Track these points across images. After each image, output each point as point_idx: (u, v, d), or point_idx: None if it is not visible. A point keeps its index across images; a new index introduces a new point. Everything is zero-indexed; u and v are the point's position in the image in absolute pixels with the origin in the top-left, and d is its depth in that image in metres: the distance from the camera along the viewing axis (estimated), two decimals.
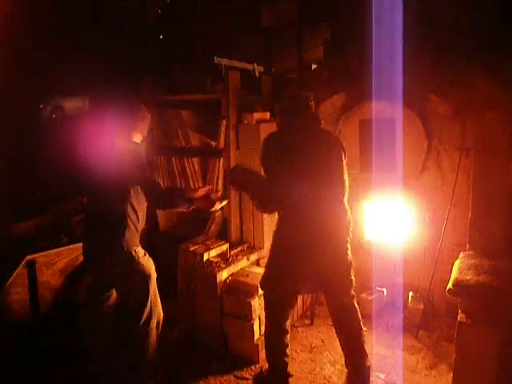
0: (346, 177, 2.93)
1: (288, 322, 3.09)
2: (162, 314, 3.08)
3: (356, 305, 3.08)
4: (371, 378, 3.21)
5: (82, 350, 3.03)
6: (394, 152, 3.90)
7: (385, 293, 4.16)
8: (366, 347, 3.09)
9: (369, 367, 3.06)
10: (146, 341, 2.93)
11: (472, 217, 3.14)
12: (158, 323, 3.01)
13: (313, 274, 2.98)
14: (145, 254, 2.95)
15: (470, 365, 2.66)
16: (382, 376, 3.27)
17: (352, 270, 3.02)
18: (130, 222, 2.85)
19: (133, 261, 2.85)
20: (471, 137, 3.43)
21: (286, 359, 3.07)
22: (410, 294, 4.03)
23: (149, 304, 2.92)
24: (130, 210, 2.84)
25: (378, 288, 4.17)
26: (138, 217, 2.90)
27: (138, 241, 2.94)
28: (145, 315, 2.91)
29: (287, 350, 3.09)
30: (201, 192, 3.08)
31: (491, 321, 2.63)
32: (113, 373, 2.98)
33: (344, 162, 2.94)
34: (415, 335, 3.75)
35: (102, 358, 2.99)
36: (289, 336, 3.12)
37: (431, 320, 3.89)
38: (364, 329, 3.70)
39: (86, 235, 3.04)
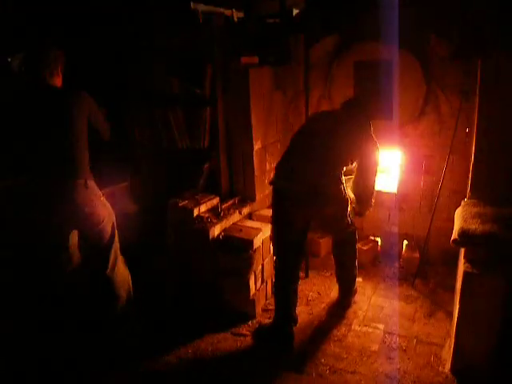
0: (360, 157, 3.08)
1: (298, 269, 3.17)
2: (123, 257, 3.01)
3: (355, 235, 3.42)
4: (369, 329, 3.23)
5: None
6: (390, 97, 3.70)
7: (379, 242, 4.09)
8: (356, 272, 3.50)
9: (355, 290, 3.56)
10: (115, 287, 2.89)
11: (475, 163, 3.02)
12: (125, 266, 3.00)
13: (313, 220, 3.21)
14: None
15: (475, 315, 2.61)
16: (381, 326, 3.23)
17: (349, 204, 3.18)
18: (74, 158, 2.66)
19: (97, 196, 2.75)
20: (473, 79, 3.25)
21: (293, 308, 3.14)
22: (405, 242, 3.98)
23: (114, 246, 2.87)
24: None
25: (372, 237, 4.10)
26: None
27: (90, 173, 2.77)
28: (111, 261, 2.85)
29: (296, 297, 3.15)
30: None
31: (497, 270, 2.56)
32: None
33: (366, 150, 3.08)
34: (411, 284, 3.72)
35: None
36: (298, 284, 3.18)
37: (427, 268, 3.86)
38: (359, 279, 3.70)
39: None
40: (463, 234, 2.63)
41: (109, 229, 2.85)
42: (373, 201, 3.29)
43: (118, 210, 3.07)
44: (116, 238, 2.92)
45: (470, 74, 3.33)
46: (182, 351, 3.03)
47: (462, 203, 3.06)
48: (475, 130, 3.00)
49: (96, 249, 2.85)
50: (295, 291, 3.13)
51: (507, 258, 2.59)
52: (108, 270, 2.86)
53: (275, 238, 3.16)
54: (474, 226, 2.66)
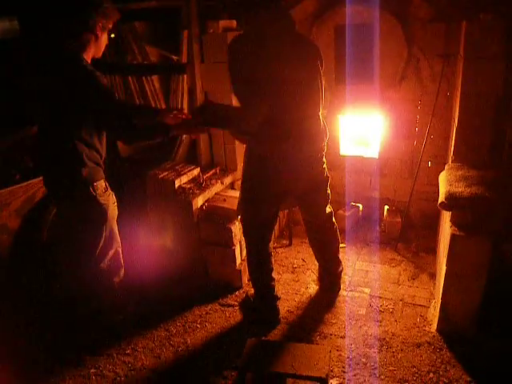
0: (322, 89, 2.65)
1: (271, 244, 2.99)
2: (120, 248, 2.87)
3: (334, 220, 3.11)
4: (356, 294, 3.26)
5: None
6: (371, 61, 3.64)
7: (360, 208, 4.11)
8: (339, 256, 3.25)
9: (340, 271, 3.26)
10: (101, 282, 2.78)
11: (458, 127, 3.02)
12: (117, 261, 2.87)
13: (290, 190, 2.83)
14: (106, 189, 2.62)
15: (462, 276, 2.65)
16: (367, 291, 3.27)
17: (328, 186, 2.95)
18: (86, 159, 2.48)
19: (90, 198, 2.55)
20: (455, 43, 3.22)
21: (272, 283, 2.98)
22: (386, 207, 4.00)
23: (101, 245, 2.70)
24: (82, 146, 2.46)
25: (353, 203, 4.11)
26: (96, 150, 2.55)
27: (100, 174, 2.60)
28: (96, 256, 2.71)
29: (273, 274, 3.00)
30: (178, 115, 2.74)
31: (483, 232, 2.60)
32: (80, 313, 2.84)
33: (321, 72, 2.64)
34: (394, 248, 3.77)
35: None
36: (272, 259, 3.02)
37: (408, 232, 3.91)
38: (342, 245, 3.71)
39: (40, 169, 2.69)
40: (450, 197, 2.64)
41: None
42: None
43: None
44: None
45: (452, 37, 3.31)
46: (171, 324, 3.00)
47: (446, 167, 3.07)
48: (459, 94, 2.99)
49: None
50: (270, 268, 2.97)
51: (493, 220, 2.64)
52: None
53: (248, 210, 2.87)
54: (460, 189, 2.67)
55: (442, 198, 2.70)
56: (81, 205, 2.57)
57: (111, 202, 2.67)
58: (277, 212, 2.95)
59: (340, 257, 3.28)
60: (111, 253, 2.77)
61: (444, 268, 2.74)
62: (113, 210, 2.69)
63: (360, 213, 4.10)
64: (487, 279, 2.68)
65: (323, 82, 2.67)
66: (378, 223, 4.04)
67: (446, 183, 2.81)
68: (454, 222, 2.71)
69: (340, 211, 4.02)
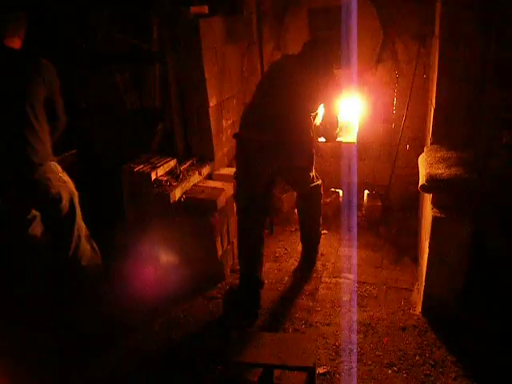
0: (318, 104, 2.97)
1: (263, 232, 3.02)
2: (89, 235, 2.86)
3: (320, 190, 3.31)
4: (340, 280, 3.25)
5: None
6: (347, 44, 3.59)
7: (341, 194, 4.08)
8: (321, 229, 3.47)
9: (317, 247, 3.49)
10: (80, 269, 2.75)
11: (436, 108, 3.00)
12: (91, 245, 2.85)
13: (281, 172, 3.03)
14: (63, 171, 2.64)
15: (444, 258, 2.65)
16: (351, 276, 3.26)
17: (313, 165, 3.15)
18: (34, 140, 2.44)
19: (54, 176, 2.53)
20: (430, 23, 3.19)
21: (260, 271, 2.98)
22: (366, 192, 3.99)
23: (76, 226, 2.69)
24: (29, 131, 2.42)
25: (333, 189, 4.08)
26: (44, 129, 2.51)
27: (51, 154, 2.58)
28: (74, 241, 2.69)
29: (262, 259, 3.02)
30: None
31: (465, 213, 2.59)
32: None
33: (326, 95, 2.95)
34: (376, 232, 3.76)
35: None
36: (264, 245, 3.04)
37: (389, 215, 3.91)
38: (324, 231, 3.69)
39: None
40: (431, 178, 2.62)
41: (68, 207, 2.66)
42: (338, 131, 3.26)
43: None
44: (78, 217, 2.73)
45: (426, 17, 3.28)
46: (154, 321, 2.92)
47: (425, 149, 3.05)
48: (436, 75, 2.96)
49: (57, 230, 2.69)
50: (261, 253, 2.99)
51: (474, 201, 2.64)
52: (71, 252, 2.70)
53: (239, 194, 3.00)
54: (440, 170, 2.66)
55: (422, 180, 2.68)
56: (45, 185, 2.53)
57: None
58: (270, 190, 3.04)
59: (322, 245, 3.43)
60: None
61: (427, 250, 2.74)
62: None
63: (340, 198, 4.08)
64: (470, 260, 2.69)
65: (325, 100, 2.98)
66: (359, 208, 4.03)
67: (425, 165, 2.79)
68: (435, 203, 2.70)
69: None
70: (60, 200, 2.57)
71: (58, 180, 2.56)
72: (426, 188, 2.65)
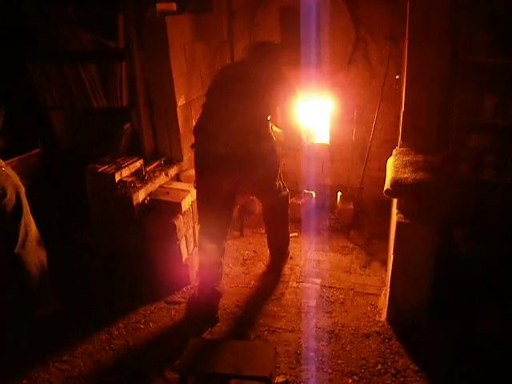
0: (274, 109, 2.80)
1: (225, 241, 2.91)
2: (38, 232, 2.79)
3: (287, 200, 3.23)
4: (306, 284, 3.18)
5: None
6: (319, 44, 3.53)
7: (313, 195, 4.02)
8: (289, 237, 3.42)
9: (287, 253, 3.43)
10: (25, 266, 2.69)
11: (405, 111, 2.94)
12: (38, 241, 2.77)
13: (242, 185, 2.84)
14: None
15: (409, 264, 2.60)
16: (318, 281, 3.20)
17: (279, 174, 3.06)
18: None
19: None
20: (401, 24, 3.13)
21: (218, 281, 2.89)
22: (339, 194, 3.93)
23: (23, 221, 2.63)
24: None
25: (306, 191, 4.02)
26: None
27: None
28: (20, 237, 2.63)
29: (221, 270, 2.91)
30: None
31: (429, 219, 2.54)
32: None
33: (283, 101, 2.79)
34: (347, 236, 3.71)
35: None
36: (224, 254, 2.95)
37: (360, 219, 3.86)
38: (295, 234, 3.64)
39: None
40: (395, 183, 2.57)
41: (12, 202, 2.57)
42: (303, 137, 3.05)
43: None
44: (25, 212, 2.64)
45: (398, 18, 3.22)
46: (113, 326, 2.85)
47: (394, 152, 2.99)
48: (405, 76, 2.91)
49: (2, 225, 2.57)
50: (220, 264, 2.89)
51: (439, 206, 2.58)
52: (16, 249, 2.63)
53: (199, 206, 2.88)
54: (406, 174, 2.60)
55: (387, 184, 2.63)
56: None
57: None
58: (232, 202, 2.88)
59: (292, 247, 3.40)
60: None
61: (392, 256, 2.69)
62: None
63: (313, 200, 4.01)
64: (438, 266, 2.64)
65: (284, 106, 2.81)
66: (331, 210, 3.97)
67: (392, 169, 2.74)
68: (400, 209, 2.65)
69: (293, 199, 3.91)
70: (4, 194, 2.50)
71: (0, 174, 2.48)
72: (391, 193, 2.59)
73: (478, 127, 2.94)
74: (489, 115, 2.86)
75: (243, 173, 2.71)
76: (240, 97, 2.67)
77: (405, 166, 2.71)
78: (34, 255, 2.73)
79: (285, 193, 3.17)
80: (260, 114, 2.73)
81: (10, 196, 2.53)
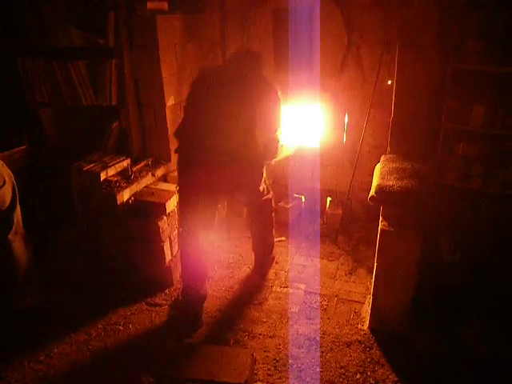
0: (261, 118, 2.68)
1: (210, 241, 2.90)
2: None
3: (271, 203, 3.21)
4: (290, 290, 3.15)
5: None
6: (311, 48, 3.50)
7: (303, 200, 3.99)
8: (274, 241, 3.41)
9: (273, 258, 3.41)
10: (15, 252, 2.73)
11: (394, 118, 2.91)
12: (23, 236, 2.79)
13: (226, 191, 2.86)
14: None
15: (392, 272, 2.57)
16: (303, 286, 3.17)
17: (264, 174, 2.97)
18: None
19: None
20: (394, 30, 3.11)
21: (202, 284, 2.85)
22: (329, 199, 3.90)
23: (18, 209, 2.70)
24: None
25: (295, 195, 3.99)
26: None
27: None
28: (14, 224, 2.69)
29: (206, 272, 2.88)
30: None
31: (413, 227, 2.51)
32: None
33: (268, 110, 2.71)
34: (334, 241, 3.67)
35: None
36: (209, 256, 2.97)
37: (349, 224, 3.83)
38: (282, 238, 3.60)
39: None
40: (380, 190, 2.55)
41: (10, 191, 2.62)
42: (279, 150, 2.88)
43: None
44: (17, 203, 2.68)
45: (391, 23, 3.20)
46: (92, 327, 2.81)
47: (382, 158, 2.97)
48: (395, 84, 2.88)
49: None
50: (204, 266, 2.84)
51: (422, 213, 2.55)
52: (11, 234, 2.67)
53: (181, 209, 2.83)
54: (391, 182, 2.58)
55: (372, 191, 2.60)
56: None
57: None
58: (215, 209, 2.85)
59: (279, 252, 3.41)
60: None
61: (376, 263, 2.66)
62: None
63: (302, 205, 3.98)
64: (423, 274, 2.61)
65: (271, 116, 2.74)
66: (321, 215, 3.94)
67: (378, 176, 2.71)
68: (384, 216, 2.62)
69: (282, 203, 3.90)
70: (3, 182, 2.56)
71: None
72: (375, 200, 2.57)
73: (467, 136, 2.91)
74: (477, 124, 2.83)
75: (226, 178, 2.67)
76: (224, 100, 2.62)
77: (391, 173, 2.69)
78: (24, 244, 2.76)
79: (269, 196, 3.15)
80: (245, 116, 2.65)
81: (7, 185, 2.58)
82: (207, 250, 2.86)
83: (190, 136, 2.70)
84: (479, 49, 2.72)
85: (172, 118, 3.47)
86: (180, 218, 2.90)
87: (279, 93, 2.73)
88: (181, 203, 2.85)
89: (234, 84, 2.66)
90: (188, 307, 2.81)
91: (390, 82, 3.40)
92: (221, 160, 2.60)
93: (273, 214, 3.25)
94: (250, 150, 2.68)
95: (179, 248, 2.96)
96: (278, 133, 2.82)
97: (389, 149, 3.02)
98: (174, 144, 3.50)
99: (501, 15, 2.66)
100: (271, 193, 3.18)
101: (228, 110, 2.61)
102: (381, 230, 2.56)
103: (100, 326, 2.82)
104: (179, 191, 2.82)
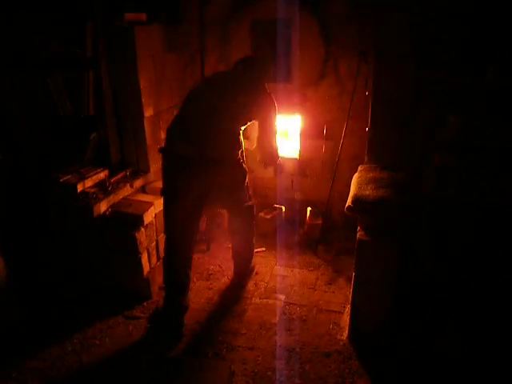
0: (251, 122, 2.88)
1: (191, 253, 2.87)
2: None
3: (253, 210, 3.21)
4: (270, 301, 3.12)
5: None
6: (289, 59, 3.52)
7: (283, 210, 3.99)
8: (254, 250, 3.36)
9: (252, 268, 3.38)
10: None
11: (371, 128, 2.94)
12: None
13: (210, 188, 2.84)
14: None
15: (370, 282, 2.57)
16: (282, 297, 3.15)
17: (246, 183, 3.04)
18: None
19: None
20: (370, 40, 3.14)
21: (184, 295, 2.83)
22: (309, 209, 3.90)
23: None
24: None
25: (276, 205, 3.99)
26: None
27: None
28: None
29: (188, 282, 2.87)
30: None
31: (390, 236, 2.52)
32: None
33: (261, 116, 2.88)
34: (314, 251, 3.67)
35: None
36: (191, 266, 2.89)
37: (330, 234, 3.83)
38: (262, 248, 3.59)
39: None
40: (357, 200, 2.55)
41: None
42: (279, 154, 3.09)
43: None
44: None
45: (367, 35, 3.23)
46: (67, 341, 2.75)
47: (359, 168, 2.99)
48: (371, 94, 2.91)
49: None
50: (187, 275, 2.85)
51: (399, 223, 2.57)
52: None
53: (166, 213, 2.84)
54: (368, 192, 2.59)
55: (349, 201, 2.61)
56: None
57: None
58: (199, 209, 2.86)
59: (258, 263, 3.42)
60: None
61: (354, 273, 2.66)
62: None
63: (283, 215, 3.98)
64: (400, 284, 2.61)
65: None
66: (301, 225, 3.94)
67: (355, 186, 2.72)
68: (361, 226, 2.63)
69: (262, 213, 3.89)
70: None
71: None
72: (352, 209, 2.57)
73: (442, 145, 2.94)
74: (452, 134, 2.86)
75: (212, 176, 2.76)
76: (219, 105, 2.72)
77: (368, 183, 2.70)
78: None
79: (251, 203, 3.15)
80: (235, 124, 2.79)
81: None
82: (191, 259, 2.86)
83: (184, 129, 2.75)
84: (452, 60, 2.75)
85: (151, 129, 3.45)
86: (165, 223, 2.86)
87: (275, 103, 2.90)
88: (166, 208, 2.84)
89: (235, 85, 2.79)
90: (169, 319, 2.78)
91: (367, 93, 3.43)
92: (212, 155, 2.69)
93: (254, 222, 3.25)
94: (236, 150, 2.81)
95: (163, 257, 2.93)
96: (275, 141, 3.00)
97: (366, 159, 3.04)
98: (152, 155, 3.49)
99: (469, 28, 2.71)
100: (253, 201, 3.19)
101: (225, 109, 2.72)
102: (358, 240, 2.57)
103: (76, 341, 2.76)
104: (165, 193, 2.81)
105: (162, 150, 2.83)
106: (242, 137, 2.88)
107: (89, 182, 3.18)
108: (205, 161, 2.69)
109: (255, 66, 2.89)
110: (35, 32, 3.35)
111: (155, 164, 3.53)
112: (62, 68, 3.38)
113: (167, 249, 2.87)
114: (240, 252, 3.28)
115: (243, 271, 3.31)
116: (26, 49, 3.38)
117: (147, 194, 3.43)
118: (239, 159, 2.90)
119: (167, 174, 2.82)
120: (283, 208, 3.99)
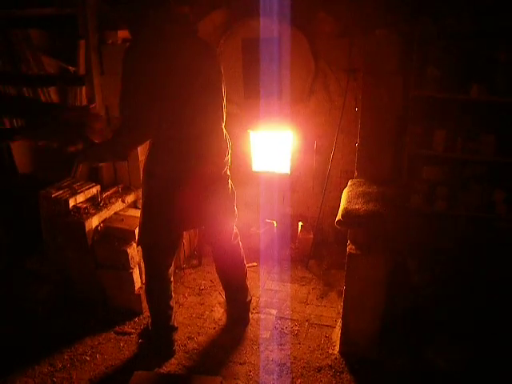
0: (224, 98, 2.47)
1: (171, 271, 2.71)
2: None
3: (239, 243, 2.90)
4: (261, 315, 3.12)
5: None
6: (280, 75, 3.58)
7: (275, 225, 4.01)
8: (248, 283, 3.05)
9: (249, 301, 3.03)
10: None
11: (360, 143, 2.98)
12: None
13: (194, 209, 2.53)
14: None
15: (361, 295, 2.59)
16: (274, 312, 3.15)
17: (234, 204, 2.74)
18: None
19: None
20: (359, 58, 3.21)
21: (170, 312, 2.73)
22: (300, 224, 3.92)
23: None
24: None
25: (267, 220, 4.01)
26: None
27: None
28: None
29: (171, 302, 2.73)
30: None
31: (380, 250, 2.54)
32: None
33: (222, 80, 2.45)
34: (306, 265, 3.68)
35: None
36: (172, 286, 2.74)
37: (321, 249, 3.85)
38: (254, 264, 3.59)
39: None
40: (346, 214, 2.58)
41: None
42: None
43: None
44: None
45: (356, 52, 3.31)
46: (57, 357, 2.73)
47: (349, 183, 3.02)
48: (360, 110, 2.96)
49: None
50: (169, 297, 2.70)
51: (389, 236, 2.59)
52: None
53: (149, 234, 2.54)
54: (358, 205, 2.62)
55: (339, 215, 2.63)
56: None
57: None
58: (180, 236, 2.74)
59: (250, 278, 3.23)
60: None
61: (344, 287, 2.67)
62: None
63: (274, 230, 4.00)
64: (391, 296, 2.63)
65: (224, 89, 2.48)
66: (292, 240, 3.96)
67: (345, 200, 2.75)
68: (351, 240, 2.66)
69: (253, 228, 3.91)
70: None
71: None
72: (342, 223, 2.60)
73: (430, 160, 3.00)
74: (439, 148, 2.92)
75: (194, 198, 2.46)
76: (186, 107, 2.32)
77: (358, 197, 2.73)
78: None
79: (236, 241, 2.87)
80: (212, 116, 2.43)
81: None
82: (171, 282, 2.73)
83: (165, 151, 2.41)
84: (438, 76, 2.82)
85: (143, 145, 3.47)
86: (143, 245, 2.61)
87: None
88: (140, 229, 2.57)
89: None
90: (159, 338, 2.75)
91: (356, 109, 3.49)
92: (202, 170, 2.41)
93: (245, 261, 2.98)
94: (220, 152, 2.51)
95: (145, 273, 2.76)
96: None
97: (356, 173, 3.08)
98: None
99: (456, 46, 2.78)
100: (238, 239, 2.91)
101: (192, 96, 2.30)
102: (348, 254, 2.59)
103: (66, 357, 2.74)
104: (145, 198, 2.53)
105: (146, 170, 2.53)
106: (226, 137, 2.58)
107: (81, 197, 3.19)
108: (186, 178, 2.40)
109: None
110: (29, 50, 3.39)
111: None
112: (55, 84, 3.42)
113: (149, 272, 2.66)
114: (231, 291, 3.01)
115: (239, 308, 3.04)
116: (18, 64, 3.42)
117: (138, 209, 3.43)
118: (226, 172, 2.60)
119: (146, 194, 2.53)
120: (275, 223, 4.01)
